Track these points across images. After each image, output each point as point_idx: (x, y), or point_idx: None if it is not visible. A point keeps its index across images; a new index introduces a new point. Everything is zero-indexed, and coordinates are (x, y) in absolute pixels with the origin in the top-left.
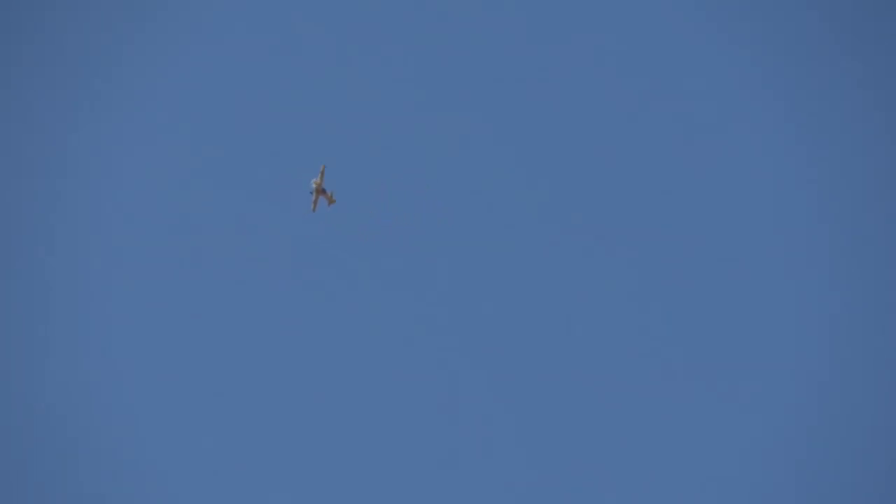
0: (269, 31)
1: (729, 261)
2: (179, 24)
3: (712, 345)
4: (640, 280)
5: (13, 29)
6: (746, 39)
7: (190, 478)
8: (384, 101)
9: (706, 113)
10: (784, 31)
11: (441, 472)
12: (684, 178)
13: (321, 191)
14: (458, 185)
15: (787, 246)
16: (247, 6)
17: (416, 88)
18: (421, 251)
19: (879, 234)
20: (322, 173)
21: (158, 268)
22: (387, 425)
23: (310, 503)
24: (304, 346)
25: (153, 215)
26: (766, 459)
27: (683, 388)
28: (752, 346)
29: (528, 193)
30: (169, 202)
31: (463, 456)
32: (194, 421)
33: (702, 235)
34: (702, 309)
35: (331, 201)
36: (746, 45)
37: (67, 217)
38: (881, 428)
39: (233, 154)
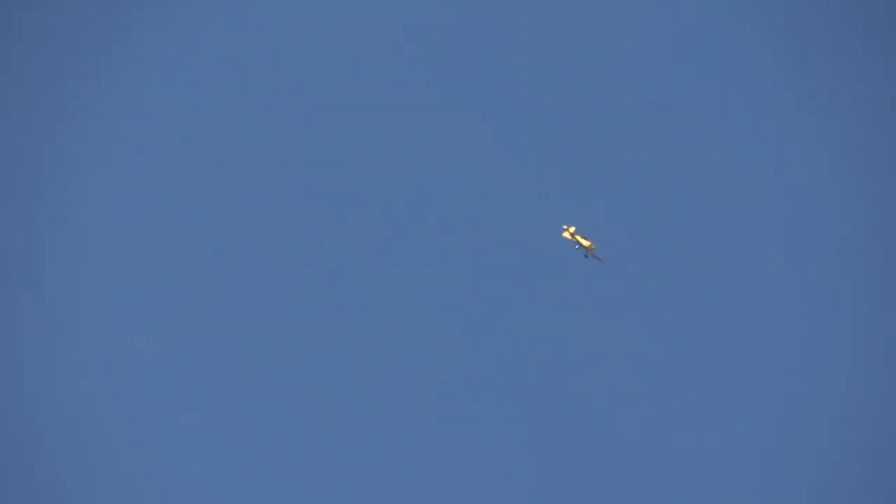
0: (267, 32)
1: (729, 261)
2: (178, 25)
3: (712, 345)
4: (640, 280)
5: (13, 29)
6: (747, 40)
7: (187, 477)
8: (382, 100)
9: (707, 114)
10: (785, 32)
11: (441, 472)
12: (684, 179)
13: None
14: (455, 184)
15: (786, 246)
16: (246, 8)
17: (415, 88)
18: (419, 251)
19: (880, 234)
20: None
21: (157, 268)
22: (386, 426)
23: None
24: (303, 346)
25: (152, 216)
26: (766, 459)
27: (684, 388)
28: (752, 346)
29: (527, 194)
30: (167, 203)
31: (463, 456)
32: (193, 421)
33: (702, 236)
34: (701, 309)
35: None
36: (747, 46)
37: (67, 217)
38: (881, 428)
39: (231, 154)
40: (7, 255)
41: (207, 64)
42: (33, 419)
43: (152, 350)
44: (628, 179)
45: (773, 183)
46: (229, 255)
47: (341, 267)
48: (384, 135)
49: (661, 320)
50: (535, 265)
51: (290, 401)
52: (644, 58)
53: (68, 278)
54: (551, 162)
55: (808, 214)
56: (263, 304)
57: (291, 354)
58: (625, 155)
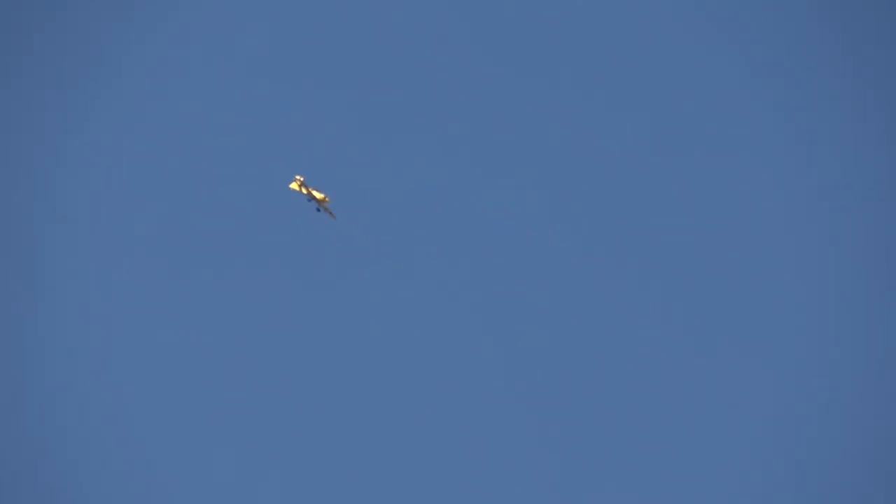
0: (267, 30)
1: (729, 261)
2: (178, 24)
3: (712, 346)
4: (641, 281)
5: (13, 29)
6: (746, 40)
7: (186, 477)
8: (381, 100)
9: (706, 114)
10: (784, 33)
11: (441, 473)
12: (684, 179)
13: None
14: (456, 188)
15: (787, 246)
16: (245, 7)
17: (414, 89)
18: (419, 251)
19: (879, 234)
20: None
21: (157, 267)
22: (386, 426)
23: (307, 503)
24: (303, 346)
25: (152, 215)
26: (767, 459)
27: (685, 388)
28: (753, 346)
29: (526, 196)
30: (167, 202)
31: (464, 457)
32: (192, 420)
33: (702, 236)
34: (701, 309)
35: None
36: (747, 46)
37: (67, 217)
38: (881, 428)
39: (230, 154)
40: (7, 255)
41: (206, 63)
42: (33, 419)
43: (153, 349)
44: (627, 180)
45: (771, 184)
46: (230, 255)
47: (340, 266)
48: (382, 134)
49: (663, 319)
50: (536, 267)
51: (291, 400)
52: (641, 57)
53: (68, 277)
54: (544, 163)
55: (807, 215)
56: (264, 304)
57: (291, 354)
58: (625, 156)
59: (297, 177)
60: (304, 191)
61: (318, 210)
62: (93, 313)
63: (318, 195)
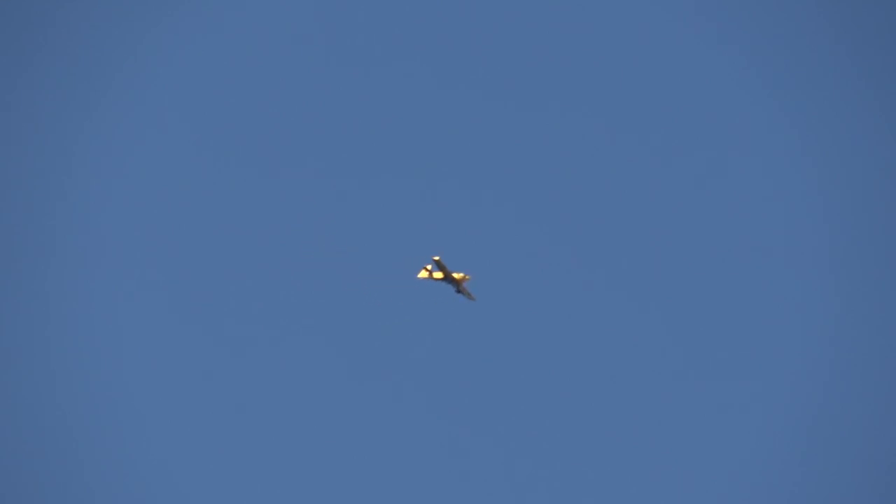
0: (267, 30)
1: (729, 262)
2: (178, 23)
3: (712, 347)
4: (641, 282)
5: (13, 29)
6: (745, 41)
7: (187, 478)
8: (382, 101)
9: (705, 113)
10: (783, 32)
11: (441, 474)
12: (683, 178)
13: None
14: (454, 190)
15: (787, 246)
16: (245, 6)
17: (414, 90)
18: (418, 249)
19: (879, 234)
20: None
21: (158, 268)
22: (387, 426)
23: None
24: (304, 346)
25: (152, 215)
26: (767, 460)
27: (684, 389)
28: (753, 347)
29: (524, 196)
30: (168, 202)
31: (464, 458)
32: (193, 422)
33: (702, 236)
34: (701, 310)
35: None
36: (745, 46)
37: (67, 216)
38: (881, 428)
39: (232, 154)
40: (7, 255)
41: (206, 62)
42: (32, 420)
43: (153, 350)
44: (625, 180)
45: (770, 183)
46: (230, 255)
47: (342, 265)
48: (383, 133)
49: (662, 322)
50: (535, 265)
51: (292, 400)
52: (639, 59)
53: (68, 278)
54: (542, 165)
55: (806, 214)
56: (265, 304)
57: (292, 354)
58: (622, 155)
59: (434, 257)
60: (440, 275)
61: (458, 291)
62: (92, 314)
63: (457, 276)
